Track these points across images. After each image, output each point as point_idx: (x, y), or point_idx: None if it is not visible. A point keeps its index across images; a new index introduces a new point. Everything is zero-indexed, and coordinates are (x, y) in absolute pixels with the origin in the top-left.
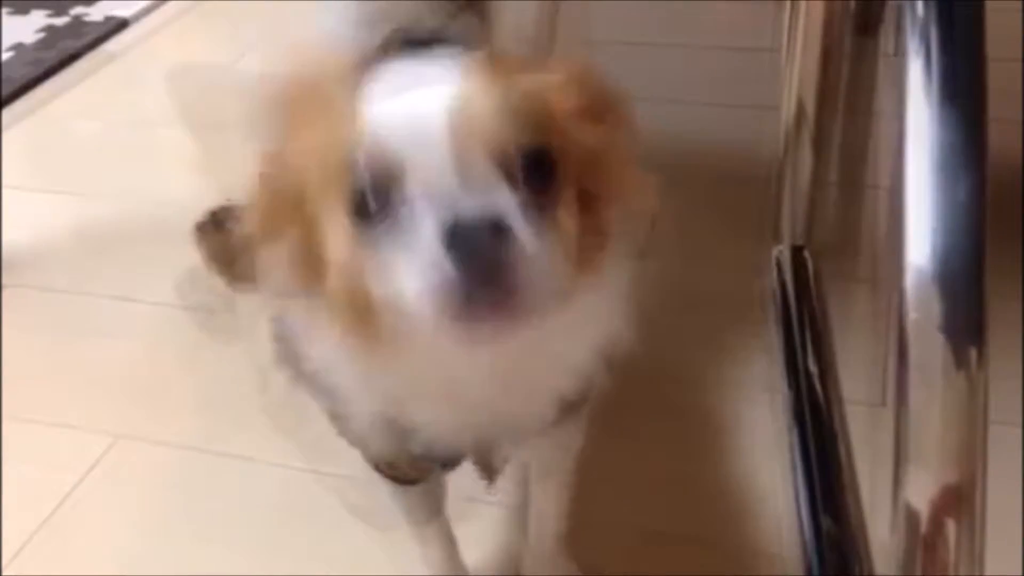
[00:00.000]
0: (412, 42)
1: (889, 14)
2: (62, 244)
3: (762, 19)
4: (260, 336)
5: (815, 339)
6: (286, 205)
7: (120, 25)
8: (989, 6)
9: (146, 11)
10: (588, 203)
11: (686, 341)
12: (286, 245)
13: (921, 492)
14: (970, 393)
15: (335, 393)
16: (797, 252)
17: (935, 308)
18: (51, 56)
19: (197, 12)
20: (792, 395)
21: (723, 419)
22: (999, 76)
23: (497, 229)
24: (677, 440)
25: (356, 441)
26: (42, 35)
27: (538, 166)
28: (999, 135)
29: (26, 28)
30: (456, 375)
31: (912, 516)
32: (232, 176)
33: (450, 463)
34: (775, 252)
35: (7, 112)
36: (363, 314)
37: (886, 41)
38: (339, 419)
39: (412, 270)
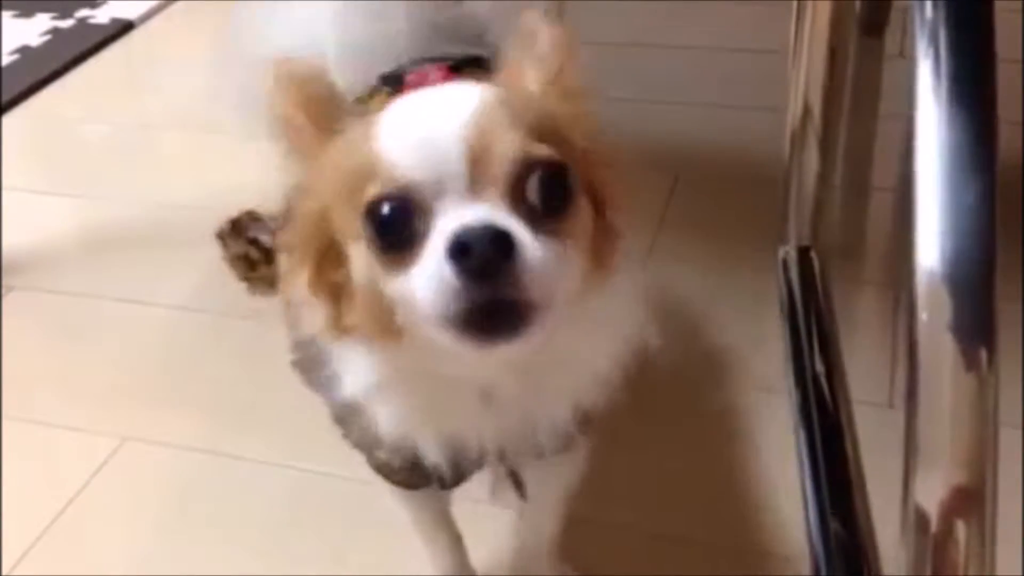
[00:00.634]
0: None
1: (895, 15)
2: (68, 246)
3: (768, 21)
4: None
5: (822, 340)
6: (310, 224)
7: (126, 27)
8: None
9: (151, 13)
10: (599, 205)
11: (693, 341)
12: (309, 263)
13: (931, 493)
14: (980, 394)
15: (353, 404)
16: (804, 253)
17: (945, 309)
18: (56, 58)
19: (203, 14)
20: (799, 396)
21: (729, 420)
22: (1000, 77)
23: (500, 240)
24: (683, 441)
25: (361, 447)
26: (47, 37)
27: (552, 180)
28: (1001, 136)
29: (31, 30)
30: (476, 374)
31: (922, 517)
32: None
33: (456, 479)
34: (781, 253)
35: (13, 114)
36: (383, 324)
37: (892, 42)
38: (348, 425)
39: (421, 281)
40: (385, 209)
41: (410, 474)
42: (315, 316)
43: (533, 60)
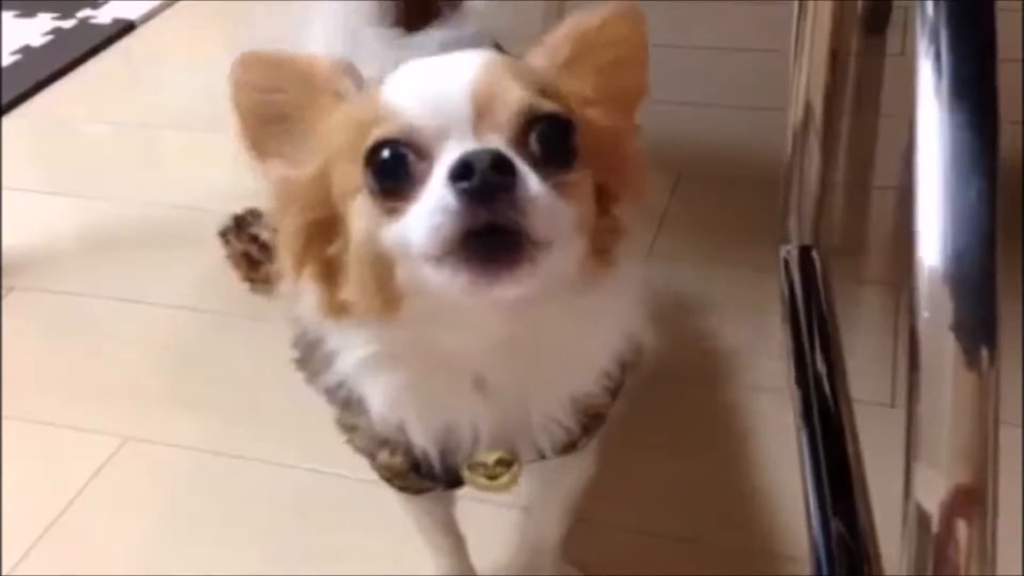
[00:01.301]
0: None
1: (897, 14)
2: (69, 246)
3: (770, 20)
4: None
5: (823, 339)
6: (304, 194)
7: (127, 27)
8: None
9: (153, 13)
10: (603, 196)
11: (694, 340)
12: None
13: (932, 493)
14: (981, 393)
15: (351, 402)
16: (805, 252)
17: (947, 308)
18: (58, 59)
19: (204, 14)
20: (800, 395)
21: (731, 419)
22: (1000, 77)
23: (501, 163)
24: (685, 440)
25: (364, 450)
26: (49, 37)
27: (555, 133)
28: (1001, 136)
29: (33, 30)
30: (473, 353)
31: (923, 517)
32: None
33: (455, 481)
34: (783, 252)
35: (14, 114)
36: (379, 289)
37: (893, 41)
38: (350, 429)
39: (421, 216)
40: (387, 152)
41: (413, 478)
42: (310, 298)
43: (542, 48)
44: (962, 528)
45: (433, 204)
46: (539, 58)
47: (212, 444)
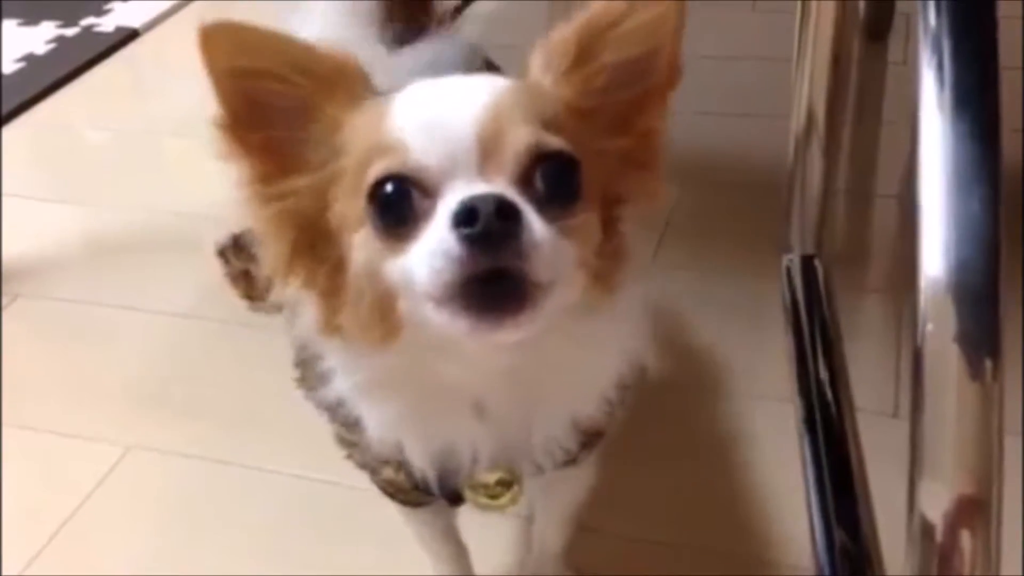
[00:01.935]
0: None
1: (898, 22)
2: (72, 254)
3: (772, 28)
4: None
5: (826, 348)
6: (302, 201)
7: (131, 35)
8: None
9: (157, 21)
10: (610, 222)
11: (696, 350)
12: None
13: (936, 503)
14: (985, 404)
15: (352, 422)
16: (807, 261)
17: (950, 319)
18: (61, 66)
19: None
20: (803, 404)
21: (734, 428)
22: (1001, 85)
23: (505, 208)
24: (688, 449)
25: (365, 466)
26: (53, 45)
27: (561, 172)
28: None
29: (36, 38)
30: (472, 381)
31: (927, 527)
32: None
33: (456, 498)
34: (785, 261)
35: (17, 121)
36: (378, 319)
37: (895, 49)
38: (350, 446)
39: (423, 255)
40: (391, 188)
41: (415, 493)
42: (308, 313)
43: (549, 56)
44: (966, 538)
45: (435, 247)
46: (541, 68)
47: (215, 452)
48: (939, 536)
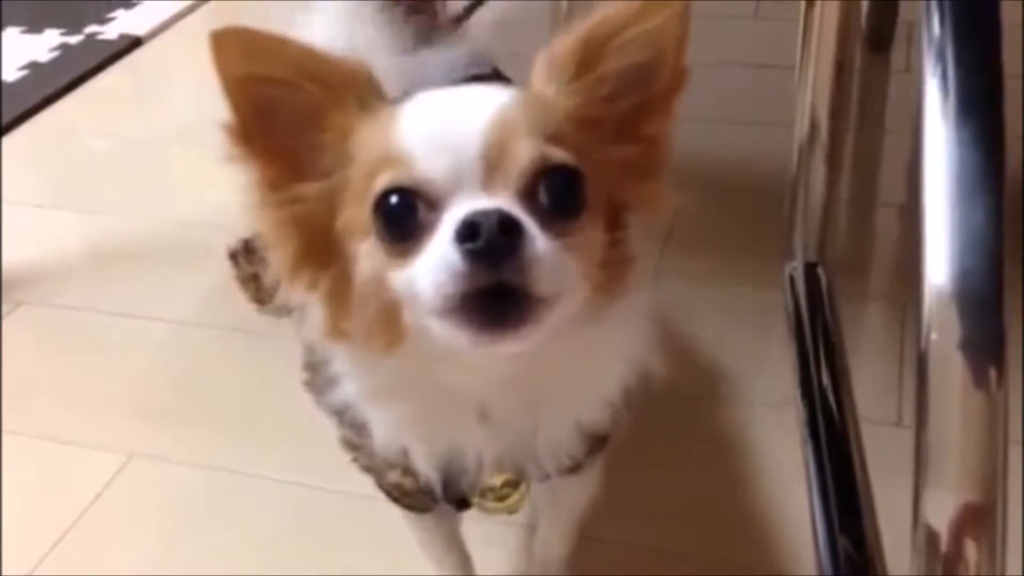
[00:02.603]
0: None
1: (901, 30)
2: (74, 261)
3: (775, 36)
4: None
5: (829, 356)
6: (310, 208)
7: (134, 43)
8: None
9: (160, 29)
10: (614, 229)
11: (700, 358)
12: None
13: (941, 512)
14: (990, 412)
15: (359, 425)
16: (810, 269)
17: (954, 327)
18: (65, 74)
19: (211, 30)
20: (807, 413)
21: (737, 437)
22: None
23: (508, 224)
24: (691, 458)
25: (370, 470)
26: (56, 53)
27: (564, 185)
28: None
29: (40, 46)
30: (476, 387)
31: (932, 536)
32: None
33: (463, 503)
34: (788, 269)
35: (19, 128)
36: (383, 326)
37: (898, 57)
38: (356, 449)
39: (426, 268)
40: (396, 200)
41: (421, 498)
42: (315, 316)
43: (552, 65)
44: (971, 546)
45: (438, 261)
46: (544, 78)
47: (218, 460)
48: (944, 544)
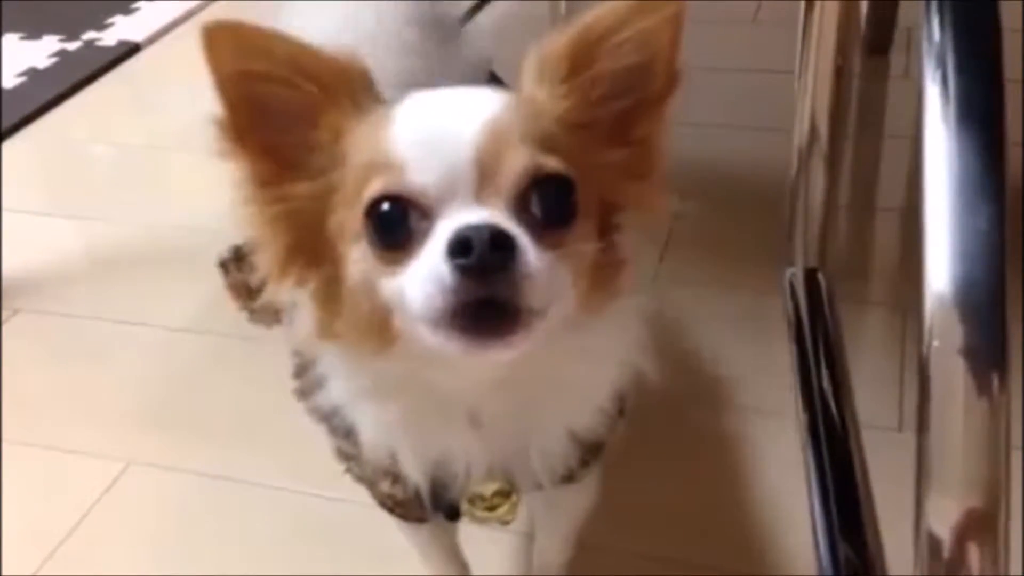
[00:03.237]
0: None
1: (900, 36)
2: (73, 268)
3: (774, 41)
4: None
5: (829, 362)
6: (301, 206)
7: (132, 50)
8: None
9: (158, 35)
10: (607, 231)
11: (699, 364)
12: (299, 270)
13: (944, 518)
14: (992, 418)
15: (349, 431)
16: (810, 274)
17: (956, 333)
18: (63, 81)
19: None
20: (807, 419)
21: (737, 444)
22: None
23: (500, 240)
24: (692, 465)
25: (363, 479)
26: (55, 60)
27: (557, 194)
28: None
29: (39, 53)
30: (466, 391)
31: (935, 542)
32: None
33: (455, 512)
34: (788, 275)
35: (18, 135)
36: (373, 329)
37: (897, 62)
38: (349, 459)
39: (417, 278)
40: (388, 207)
41: (414, 507)
42: (304, 317)
43: (542, 67)
44: (974, 552)
45: (429, 274)
46: (535, 80)
47: (216, 468)
48: (946, 550)
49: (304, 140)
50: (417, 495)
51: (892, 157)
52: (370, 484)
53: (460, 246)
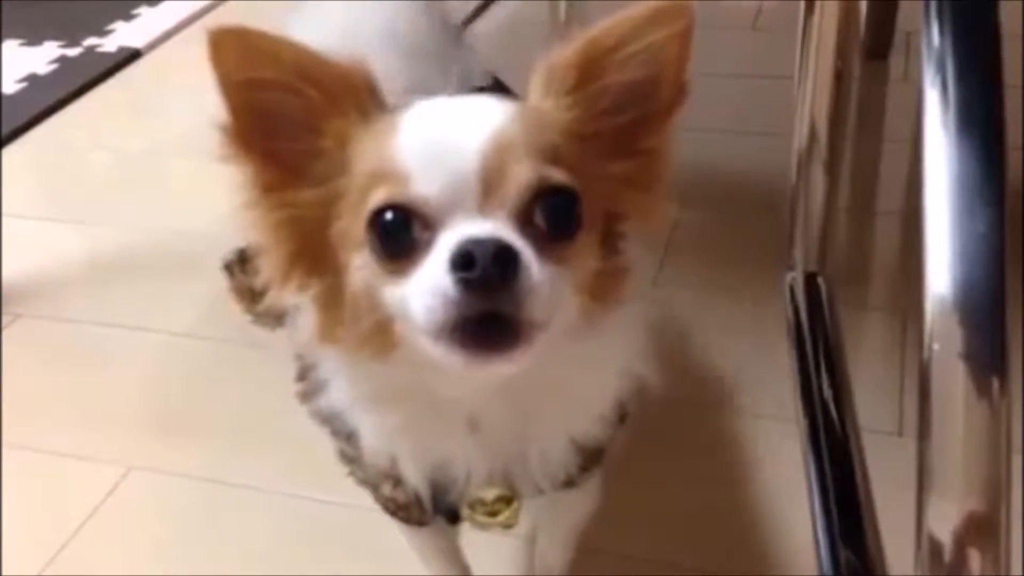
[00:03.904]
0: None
1: (899, 40)
2: (74, 273)
3: (773, 46)
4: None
5: (830, 366)
6: (304, 213)
7: (133, 55)
8: None
9: (159, 41)
10: (610, 239)
11: (699, 369)
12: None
13: (945, 522)
14: (993, 422)
15: (351, 435)
16: (810, 279)
17: (956, 338)
18: (64, 86)
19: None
20: (808, 423)
21: (738, 448)
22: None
23: (504, 255)
24: (692, 469)
25: (366, 482)
26: (55, 66)
27: (561, 206)
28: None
29: (39, 59)
30: (467, 397)
31: (936, 546)
32: None
33: (456, 516)
34: (788, 279)
35: (19, 141)
36: (375, 335)
37: (896, 67)
38: (351, 462)
39: (419, 290)
40: (391, 217)
41: (416, 511)
42: (306, 320)
43: (550, 78)
44: (975, 557)
45: (431, 286)
46: (541, 91)
47: (216, 473)
48: (948, 554)
49: (309, 147)
50: (418, 499)
51: (892, 161)
52: (372, 487)
53: (463, 259)
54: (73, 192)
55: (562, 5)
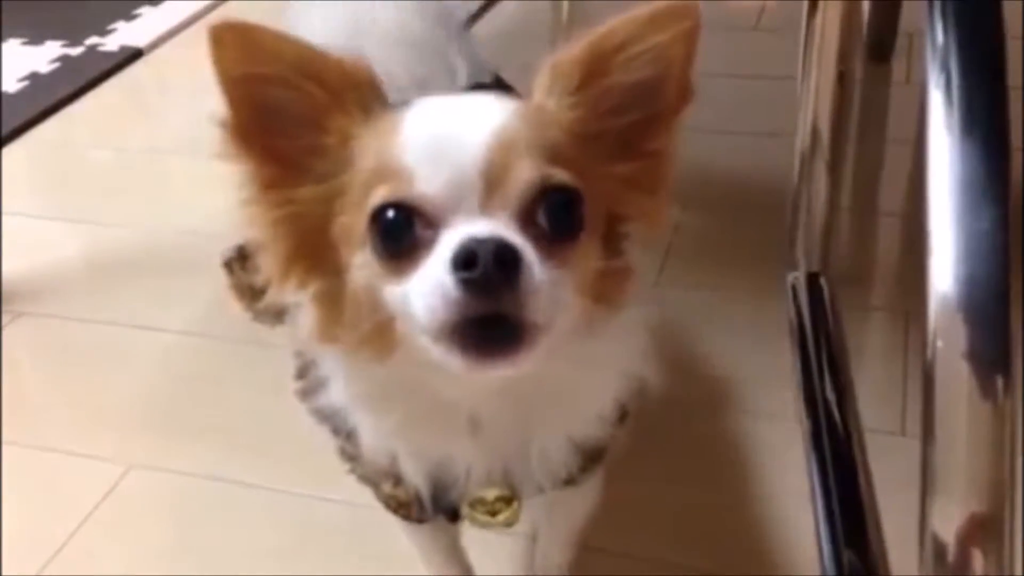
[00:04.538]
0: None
1: (901, 41)
2: (74, 272)
3: (776, 47)
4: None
5: (832, 366)
6: (305, 209)
7: (135, 55)
8: None
9: (160, 41)
10: (612, 241)
11: (702, 369)
12: (303, 274)
13: (948, 523)
14: (997, 422)
15: (351, 433)
16: (813, 279)
17: (961, 337)
18: (65, 85)
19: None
20: (810, 424)
21: (740, 449)
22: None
23: (506, 255)
24: (694, 470)
25: (367, 480)
26: (57, 65)
27: (564, 206)
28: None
29: (41, 58)
30: (467, 397)
31: (939, 547)
32: None
33: (454, 514)
34: (790, 279)
35: (20, 140)
36: (375, 334)
37: (899, 68)
38: (352, 459)
39: (421, 289)
40: (393, 215)
41: (417, 509)
42: (306, 318)
43: (554, 77)
44: (978, 558)
45: (433, 286)
46: (545, 90)
47: (217, 471)
48: (951, 555)
49: (310, 143)
50: (418, 497)
51: (894, 162)
52: (373, 485)
53: (465, 259)
54: (74, 191)
55: (565, 5)
